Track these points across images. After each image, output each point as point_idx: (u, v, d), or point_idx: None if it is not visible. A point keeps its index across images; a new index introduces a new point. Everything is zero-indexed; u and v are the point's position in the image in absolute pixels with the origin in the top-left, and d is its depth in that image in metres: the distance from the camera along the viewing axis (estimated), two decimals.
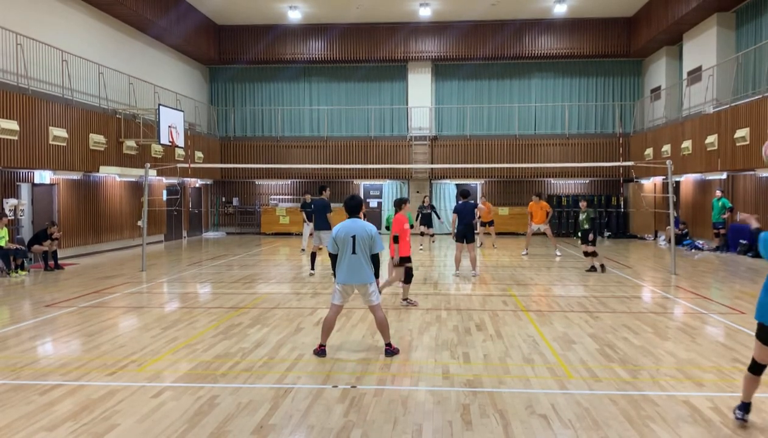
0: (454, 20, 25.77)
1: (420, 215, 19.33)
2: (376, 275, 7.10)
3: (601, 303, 10.46)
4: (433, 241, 20.72)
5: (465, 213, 13.40)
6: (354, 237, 6.91)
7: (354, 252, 6.91)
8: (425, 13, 24.69)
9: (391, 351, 7.07)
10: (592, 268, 14.23)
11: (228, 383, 6.10)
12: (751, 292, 11.35)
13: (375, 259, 7.09)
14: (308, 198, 17.60)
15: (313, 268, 13.95)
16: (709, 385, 6.04)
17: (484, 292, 11.61)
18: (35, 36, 15.88)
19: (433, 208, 19.58)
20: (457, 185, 27.04)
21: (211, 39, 26.07)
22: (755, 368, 5.01)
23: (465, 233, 13.36)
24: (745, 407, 5.06)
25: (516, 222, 25.89)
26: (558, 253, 17.92)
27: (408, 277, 10.03)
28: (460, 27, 26.03)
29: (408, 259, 9.97)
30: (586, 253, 14.42)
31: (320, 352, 7.06)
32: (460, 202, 13.63)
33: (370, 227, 7.05)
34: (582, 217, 14.40)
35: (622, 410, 5.33)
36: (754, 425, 5.01)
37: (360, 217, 7.23)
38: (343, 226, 7.05)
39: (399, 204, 10.18)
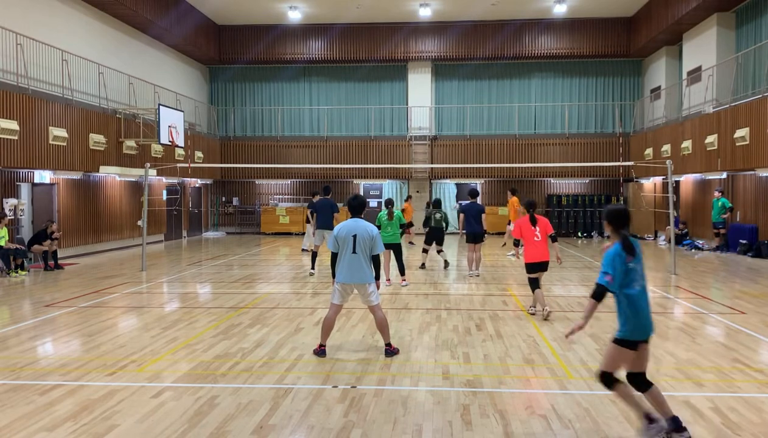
0: (454, 20, 25.76)
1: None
2: (377, 277, 7.09)
3: (601, 303, 10.42)
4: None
5: (472, 213, 13.47)
6: (355, 236, 6.91)
7: (354, 251, 6.91)
8: (425, 13, 24.68)
9: (391, 351, 7.07)
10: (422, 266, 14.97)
11: (228, 383, 6.10)
12: (751, 292, 11.35)
13: (376, 261, 7.09)
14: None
15: (313, 268, 13.97)
16: (709, 385, 6.04)
17: (484, 292, 11.61)
18: (35, 36, 15.88)
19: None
20: (456, 185, 27.09)
21: (211, 39, 26.06)
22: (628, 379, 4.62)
23: (475, 234, 13.47)
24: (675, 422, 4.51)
25: None
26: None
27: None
28: (460, 27, 26.02)
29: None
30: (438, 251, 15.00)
31: (320, 352, 7.06)
32: (467, 202, 13.76)
33: (372, 228, 7.04)
34: (438, 216, 14.41)
35: (622, 410, 5.33)
36: (754, 425, 5.01)
37: (361, 217, 7.21)
38: (345, 225, 7.04)
39: (530, 206, 9.56)
